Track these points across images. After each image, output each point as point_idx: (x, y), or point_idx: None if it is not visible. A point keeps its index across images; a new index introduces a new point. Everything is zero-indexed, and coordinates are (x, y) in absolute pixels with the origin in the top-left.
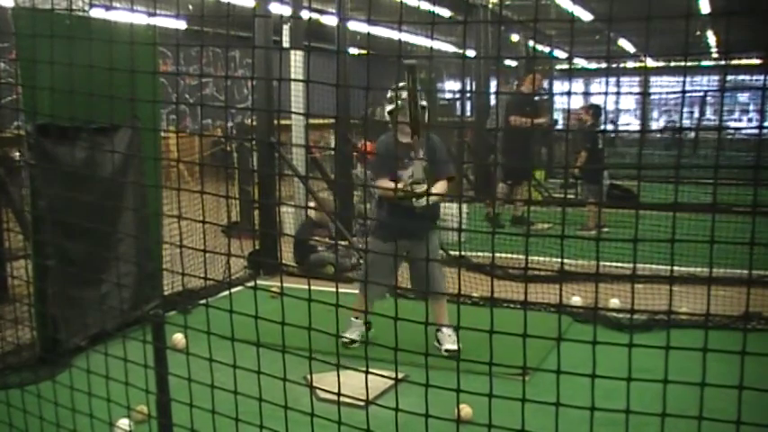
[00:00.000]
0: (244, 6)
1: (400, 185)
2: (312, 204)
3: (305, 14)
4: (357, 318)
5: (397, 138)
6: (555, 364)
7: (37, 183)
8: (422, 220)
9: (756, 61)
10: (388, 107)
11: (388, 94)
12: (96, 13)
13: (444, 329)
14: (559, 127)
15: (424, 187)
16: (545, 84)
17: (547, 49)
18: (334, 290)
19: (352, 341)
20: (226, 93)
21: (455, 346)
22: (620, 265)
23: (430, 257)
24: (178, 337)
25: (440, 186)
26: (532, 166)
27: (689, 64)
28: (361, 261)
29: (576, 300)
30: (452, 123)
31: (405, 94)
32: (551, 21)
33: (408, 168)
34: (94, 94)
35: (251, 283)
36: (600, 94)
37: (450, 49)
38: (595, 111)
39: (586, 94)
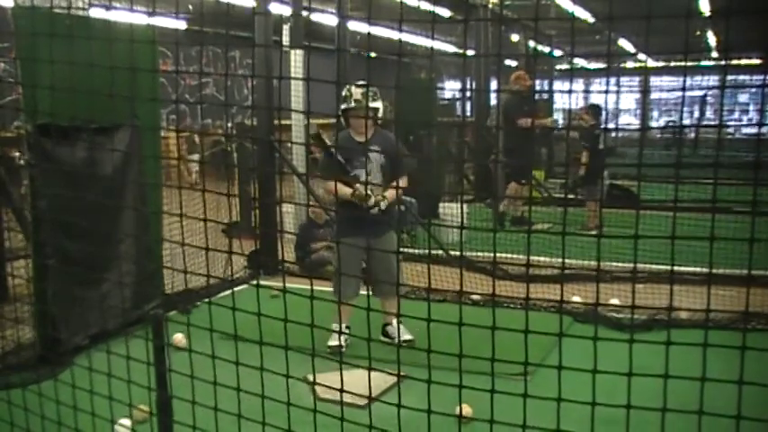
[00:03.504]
0: (244, 6)
1: (358, 187)
2: (311, 204)
3: (305, 14)
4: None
5: (352, 137)
6: (555, 364)
7: (37, 183)
8: (374, 220)
9: (756, 61)
10: (342, 105)
11: (343, 93)
12: (96, 12)
13: (394, 323)
14: (559, 126)
15: (378, 196)
16: (534, 81)
17: (547, 49)
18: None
19: (339, 347)
20: (226, 92)
21: (410, 336)
22: (620, 264)
23: (387, 255)
24: (178, 337)
25: (400, 184)
26: (534, 165)
27: (689, 64)
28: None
29: (577, 300)
30: (453, 123)
31: (360, 93)
32: (551, 20)
33: (365, 167)
34: (95, 94)
35: (252, 283)
36: (600, 92)
37: (451, 48)
38: (595, 111)
39: (587, 92)
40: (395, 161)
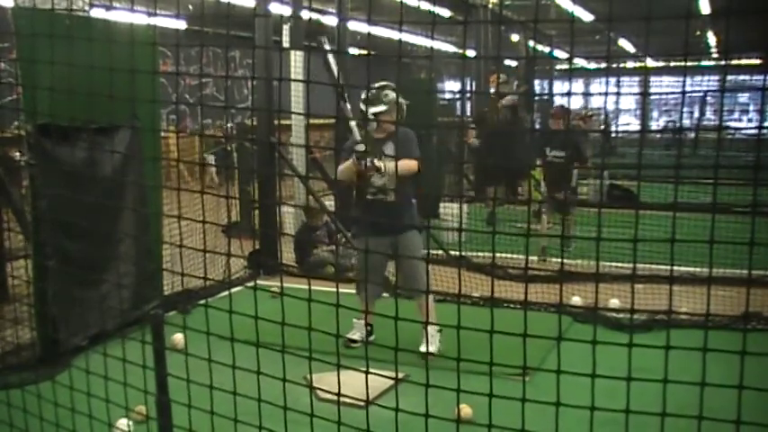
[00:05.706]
0: (244, 6)
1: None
2: (309, 206)
3: (305, 14)
4: (360, 319)
5: (372, 135)
6: (555, 365)
7: (37, 183)
8: (393, 217)
9: (756, 61)
10: (376, 109)
11: (367, 94)
12: (96, 13)
13: (428, 329)
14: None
15: (383, 163)
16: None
17: (547, 49)
18: (334, 290)
19: (354, 341)
20: (226, 93)
21: (432, 348)
22: (619, 264)
23: (409, 255)
24: (178, 338)
25: (403, 163)
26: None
27: (689, 64)
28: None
29: (576, 300)
30: (453, 123)
31: (392, 95)
32: (551, 21)
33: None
34: (94, 94)
35: (251, 283)
36: (600, 94)
37: (451, 49)
38: (564, 113)
39: (587, 94)
40: (407, 148)
